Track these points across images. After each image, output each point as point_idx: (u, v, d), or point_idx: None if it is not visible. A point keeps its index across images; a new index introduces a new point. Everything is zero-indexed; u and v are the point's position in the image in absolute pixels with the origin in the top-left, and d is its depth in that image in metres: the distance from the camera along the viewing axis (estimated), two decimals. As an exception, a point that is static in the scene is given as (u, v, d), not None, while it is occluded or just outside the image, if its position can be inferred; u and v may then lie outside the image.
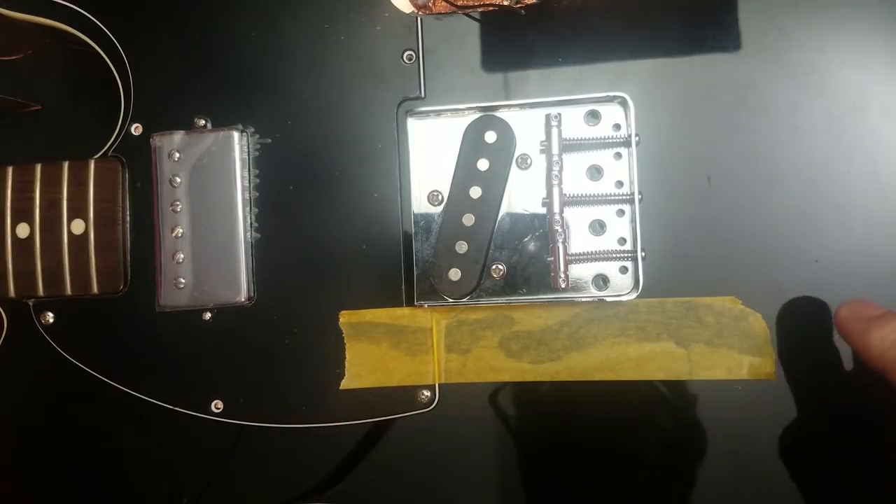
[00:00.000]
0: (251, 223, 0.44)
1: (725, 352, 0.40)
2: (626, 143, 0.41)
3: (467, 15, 0.43)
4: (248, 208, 0.44)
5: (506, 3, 0.43)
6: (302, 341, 0.43)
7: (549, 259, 0.41)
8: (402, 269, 0.43)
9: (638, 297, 0.41)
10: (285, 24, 0.44)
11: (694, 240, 0.41)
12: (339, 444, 0.44)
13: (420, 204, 0.43)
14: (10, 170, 0.46)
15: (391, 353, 0.42)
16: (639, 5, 0.41)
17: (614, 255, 0.41)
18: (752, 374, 0.40)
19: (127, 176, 0.45)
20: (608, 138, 0.42)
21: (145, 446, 0.45)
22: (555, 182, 0.41)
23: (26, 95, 0.48)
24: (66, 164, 0.45)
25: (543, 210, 0.42)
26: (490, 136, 0.42)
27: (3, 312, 0.46)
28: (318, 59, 0.44)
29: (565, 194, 0.41)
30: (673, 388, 0.41)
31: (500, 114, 0.42)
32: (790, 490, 0.40)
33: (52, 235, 0.45)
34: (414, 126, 0.43)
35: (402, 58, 0.43)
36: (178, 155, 0.44)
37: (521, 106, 0.42)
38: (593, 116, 0.42)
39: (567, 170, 0.42)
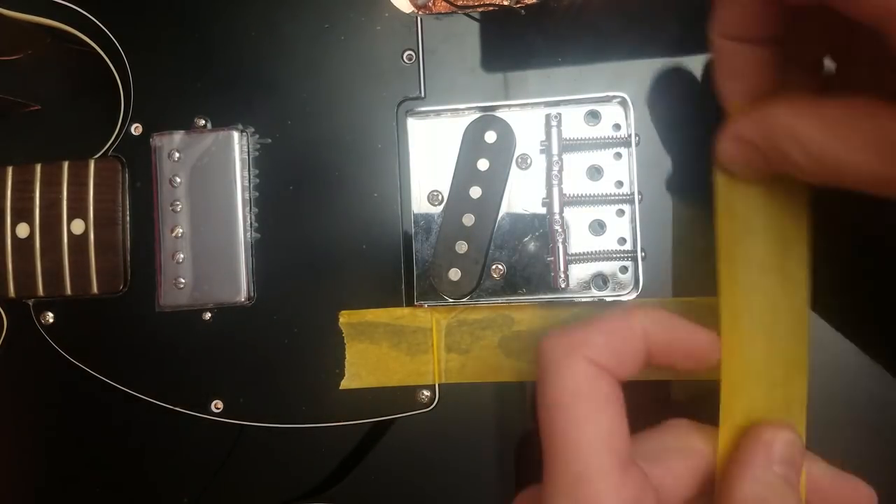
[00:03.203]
0: (251, 223, 0.44)
1: (725, 352, 0.40)
2: (626, 143, 0.41)
3: (467, 15, 0.43)
4: (248, 208, 0.44)
5: (506, 3, 0.43)
6: (302, 341, 0.43)
7: (549, 259, 0.41)
8: (402, 269, 0.43)
9: (638, 297, 0.41)
10: (285, 23, 0.44)
11: (694, 240, 0.41)
12: (339, 444, 0.44)
13: (420, 204, 0.43)
14: (10, 170, 0.46)
15: (391, 353, 0.42)
16: (639, 5, 0.41)
17: (614, 255, 0.41)
18: (752, 374, 0.40)
19: (127, 176, 0.45)
20: (608, 138, 0.42)
21: (145, 446, 0.45)
22: (555, 182, 0.41)
23: (26, 95, 0.48)
24: (65, 164, 0.45)
25: (543, 210, 0.42)
26: (490, 136, 0.42)
27: (2, 312, 0.46)
28: (318, 59, 0.44)
29: (565, 194, 0.41)
30: (673, 388, 0.41)
31: (500, 114, 0.42)
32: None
33: (52, 235, 0.45)
34: (414, 126, 0.43)
35: (402, 58, 0.43)
36: (178, 155, 0.44)
37: (522, 106, 0.42)
38: (593, 116, 0.42)
39: (567, 170, 0.42)
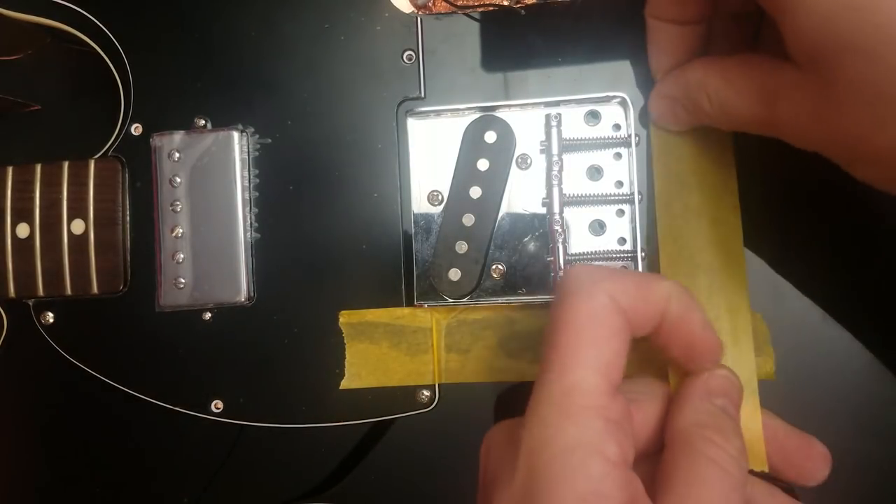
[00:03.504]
0: (251, 223, 0.44)
1: (725, 352, 0.40)
2: (626, 143, 0.41)
3: (467, 15, 0.43)
4: (248, 208, 0.44)
5: (506, 3, 0.43)
6: (302, 341, 0.43)
7: (548, 259, 0.41)
8: (402, 269, 0.43)
9: (638, 297, 0.41)
10: (285, 23, 0.44)
11: (694, 240, 0.41)
12: (339, 444, 0.44)
13: (420, 204, 0.43)
14: (10, 170, 0.46)
15: (391, 353, 0.42)
16: (639, 5, 0.41)
17: (614, 256, 0.41)
18: (752, 374, 0.40)
19: (127, 176, 0.45)
20: (608, 138, 0.42)
21: (145, 446, 0.45)
22: (555, 182, 0.41)
23: (26, 95, 0.48)
24: (66, 164, 0.45)
25: (543, 210, 0.42)
26: (490, 136, 0.42)
27: (3, 312, 0.46)
28: (318, 59, 0.44)
29: (565, 194, 0.41)
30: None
31: (500, 114, 0.42)
32: (787, 490, 0.40)
33: (52, 235, 0.45)
34: (414, 126, 0.43)
35: (402, 58, 0.43)
36: (177, 155, 0.44)
37: (522, 106, 0.42)
38: (593, 116, 0.42)
39: (567, 170, 0.42)
